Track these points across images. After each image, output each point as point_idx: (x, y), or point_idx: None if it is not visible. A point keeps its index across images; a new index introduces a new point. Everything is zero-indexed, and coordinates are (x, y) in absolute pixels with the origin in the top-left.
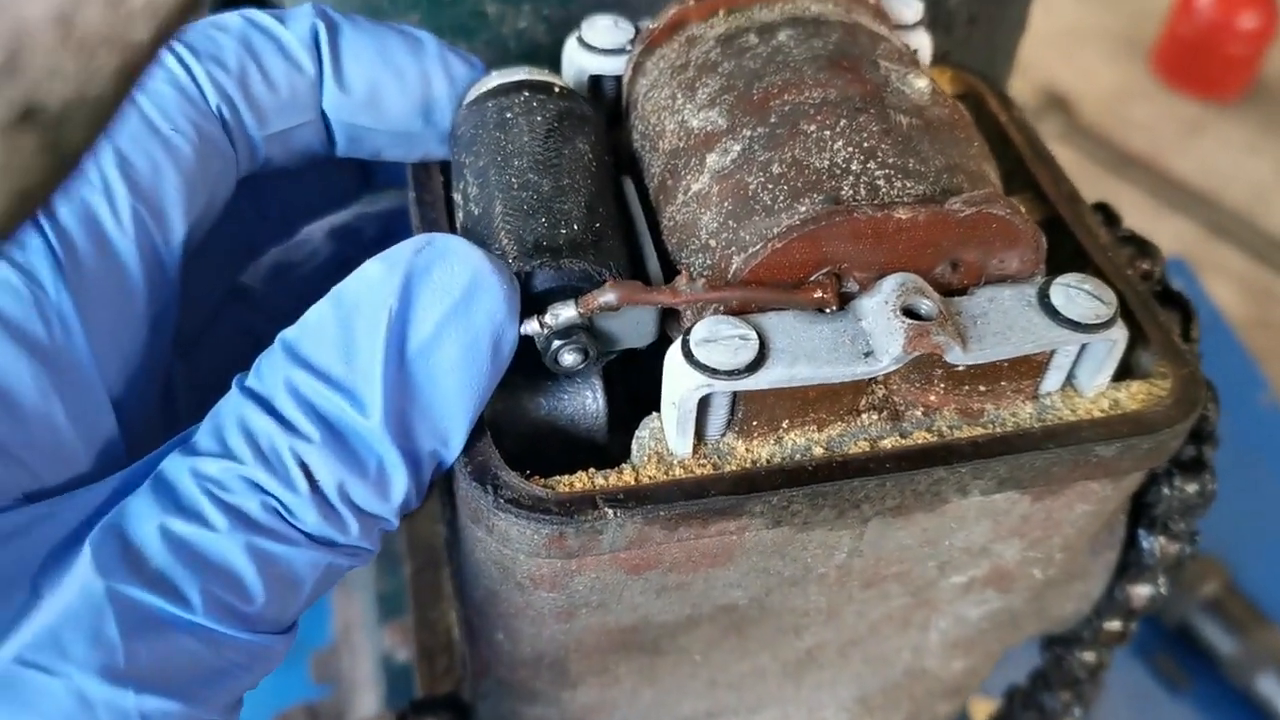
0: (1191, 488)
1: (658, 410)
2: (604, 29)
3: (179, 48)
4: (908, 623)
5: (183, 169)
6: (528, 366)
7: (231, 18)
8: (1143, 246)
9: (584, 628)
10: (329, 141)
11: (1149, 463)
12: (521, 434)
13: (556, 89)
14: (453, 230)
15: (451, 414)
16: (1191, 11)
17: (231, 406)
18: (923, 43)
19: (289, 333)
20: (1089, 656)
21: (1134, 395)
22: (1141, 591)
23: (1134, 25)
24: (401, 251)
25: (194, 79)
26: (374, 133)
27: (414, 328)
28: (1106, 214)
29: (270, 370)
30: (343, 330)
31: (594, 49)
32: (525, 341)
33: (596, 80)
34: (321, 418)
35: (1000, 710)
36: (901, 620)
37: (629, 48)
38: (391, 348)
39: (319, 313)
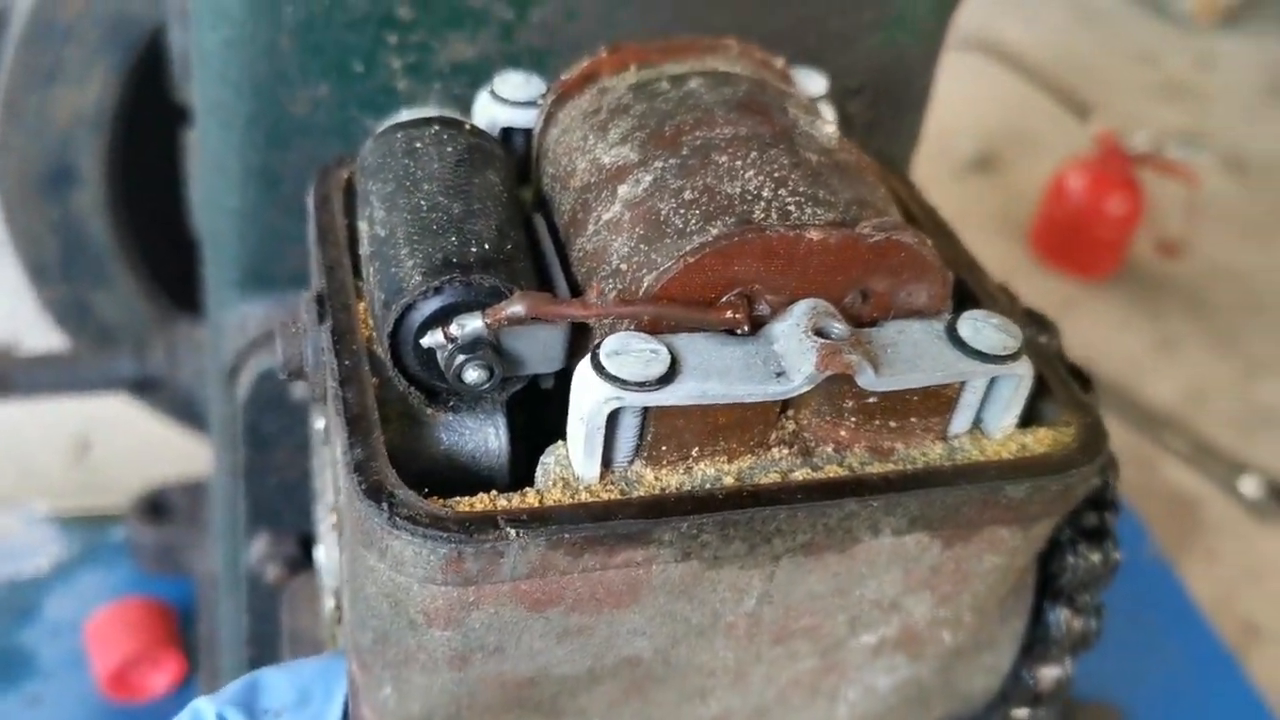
0: (1096, 556)
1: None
2: (516, 83)
3: None
4: (816, 691)
5: None
6: (429, 400)
7: None
8: (1041, 322)
9: (479, 679)
10: None
11: (1057, 509)
12: (419, 469)
13: (467, 126)
14: (356, 259)
15: None
16: (1063, 196)
17: None
18: (828, 115)
19: None
20: None
21: (1040, 440)
22: (1049, 673)
23: (1012, 207)
24: None
25: None
26: None
27: None
28: (1006, 294)
29: None
30: None
31: (506, 101)
32: (425, 365)
33: (507, 134)
34: None
35: None
36: (810, 687)
37: (540, 101)
38: None
39: None
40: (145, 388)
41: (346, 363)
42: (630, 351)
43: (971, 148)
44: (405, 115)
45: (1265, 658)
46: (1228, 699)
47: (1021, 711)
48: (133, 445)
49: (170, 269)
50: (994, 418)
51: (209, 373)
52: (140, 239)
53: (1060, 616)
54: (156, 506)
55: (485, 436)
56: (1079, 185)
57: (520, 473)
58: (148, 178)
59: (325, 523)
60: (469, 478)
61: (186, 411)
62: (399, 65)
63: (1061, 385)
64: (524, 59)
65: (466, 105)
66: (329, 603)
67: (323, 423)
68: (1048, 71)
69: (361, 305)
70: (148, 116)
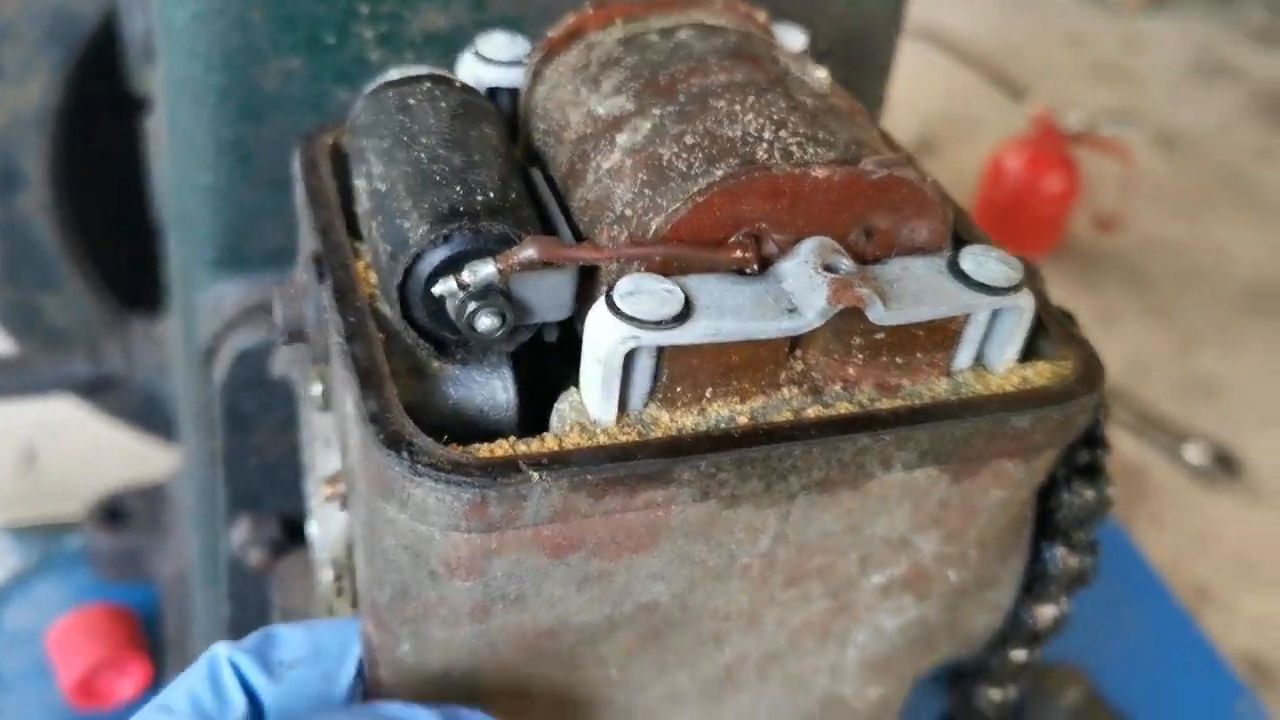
0: (1089, 493)
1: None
2: (500, 43)
3: None
4: (827, 633)
5: None
6: (437, 352)
7: None
8: (1026, 266)
9: (499, 630)
10: None
11: (1059, 438)
12: (430, 424)
13: (457, 83)
14: (351, 215)
15: None
16: (1002, 176)
17: None
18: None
19: None
20: (996, 694)
21: (1040, 373)
22: (1046, 612)
23: (953, 188)
24: None
25: None
26: None
27: None
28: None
29: None
30: None
31: (491, 61)
32: (434, 317)
33: (492, 94)
34: None
35: None
36: (821, 630)
37: (526, 59)
38: None
39: None
40: (100, 389)
41: (351, 319)
42: (645, 291)
43: (913, 131)
44: (395, 74)
45: (1216, 621)
46: (1187, 659)
47: (1020, 652)
48: (80, 451)
49: (120, 268)
50: (996, 351)
51: (176, 362)
52: (88, 239)
53: (1057, 554)
54: (114, 513)
55: (493, 389)
56: (1016, 165)
57: (527, 426)
58: (94, 177)
59: (318, 496)
60: (478, 431)
61: (142, 412)
62: (371, 36)
63: (1055, 322)
64: (497, 25)
65: None
66: (326, 575)
67: (319, 388)
68: (983, 56)
69: (360, 264)
70: (92, 114)
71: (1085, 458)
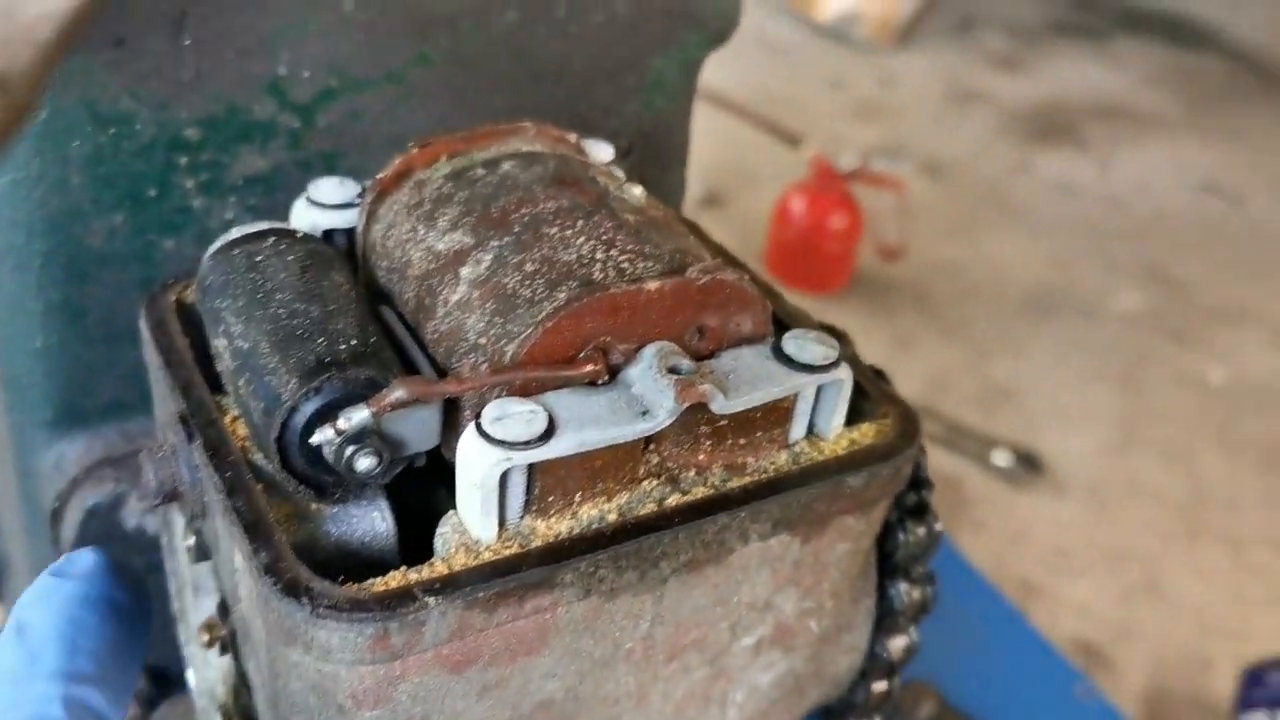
0: (921, 530)
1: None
2: (330, 187)
3: None
4: (708, 699)
5: None
6: (318, 495)
7: None
8: (836, 334)
9: None
10: None
11: (890, 489)
12: (315, 563)
13: (299, 234)
14: (214, 377)
15: None
16: (788, 220)
17: None
18: (624, 178)
19: None
20: None
21: (865, 434)
22: (898, 643)
23: (744, 236)
24: None
25: None
26: None
27: None
28: (801, 313)
29: None
30: None
31: (323, 205)
32: (312, 464)
33: (328, 236)
34: None
35: None
36: (703, 697)
37: (357, 201)
38: None
39: None
40: None
41: (228, 474)
42: (510, 415)
43: (700, 187)
44: (236, 232)
45: (1043, 612)
46: (1023, 655)
47: (880, 684)
48: None
49: None
50: (825, 421)
51: (10, 530)
52: None
53: (900, 589)
54: None
55: (372, 521)
56: (800, 208)
57: (404, 550)
58: None
59: (194, 643)
60: (362, 563)
61: None
62: (192, 184)
63: (871, 383)
64: (315, 163)
65: (262, 214)
66: None
67: (191, 540)
68: (754, 108)
69: (227, 418)
70: None
71: (913, 499)
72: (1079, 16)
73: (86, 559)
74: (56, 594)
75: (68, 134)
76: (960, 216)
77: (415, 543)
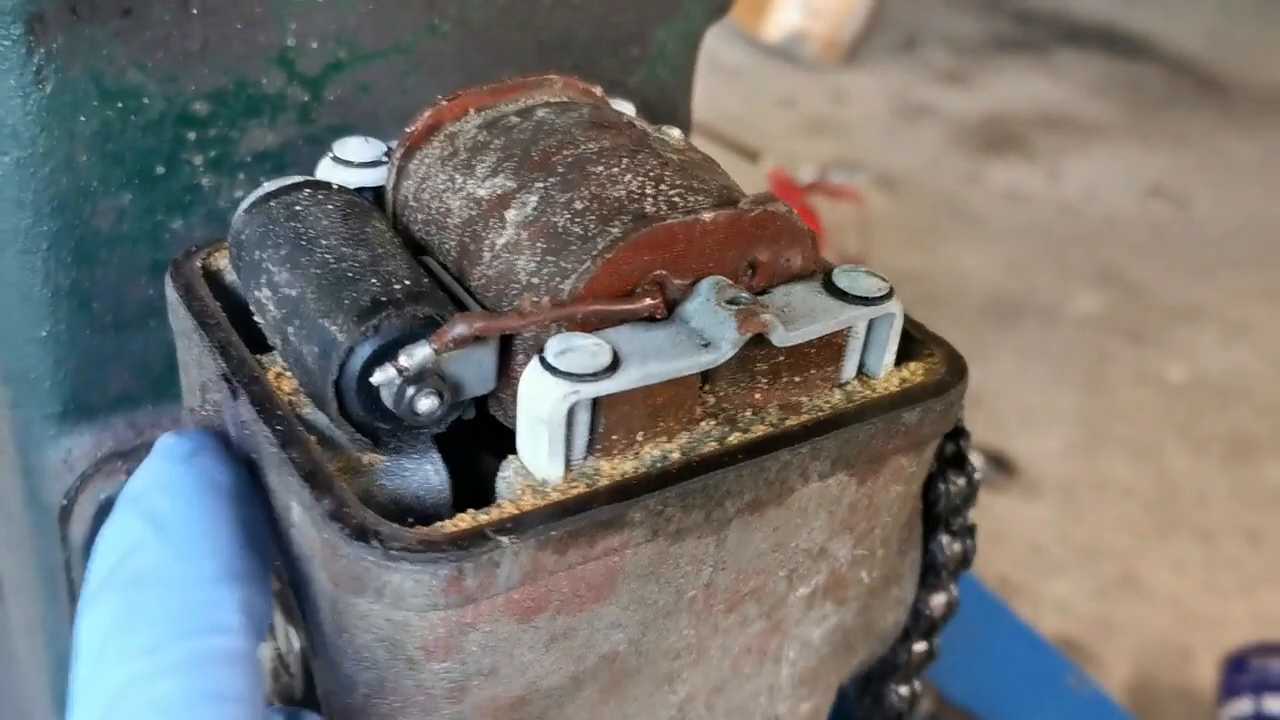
0: (960, 480)
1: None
2: (357, 145)
3: None
4: (764, 654)
5: None
6: (367, 446)
7: None
8: None
9: (474, 707)
10: None
11: (941, 426)
12: None
13: (335, 186)
14: (251, 340)
15: None
16: None
17: None
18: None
19: None
20: (904, 689)
21: (914, 372)
22: (939, 600)
23: None
24: None
25: None
26: None
27: None
28: None
29: None
30: None
31: (350, 164)
32: (369, 409)
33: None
34: None
35: None
36: (759, 652)
37: (384, 159)
38: None
39: None
40: None
41: (279, 427)
42: (575, 349)
43: None
44: (270, 185)
45: (1024, 609)
46: (1015, 649)
47: (921, 644)
48: None
49: None
50: (875, 359)
51: (13, 532)
52: None
53: (942, 542)
54: None
55: (426, 474)
56: None
57: (458, 505)
58: None
59: None
60: (418, 517)
61: None
62: (200, 161)
63: (914, 325)
64: (324, 138)
65: None
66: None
67: None
68: (712, 125)
69: (271, 374)
70: None
71: (951, 448)
72: (1019, 31)
73: (199, 438)
74: (184, 481)
75: (75, 109)
76: (917, 227)
77: (463, 501)
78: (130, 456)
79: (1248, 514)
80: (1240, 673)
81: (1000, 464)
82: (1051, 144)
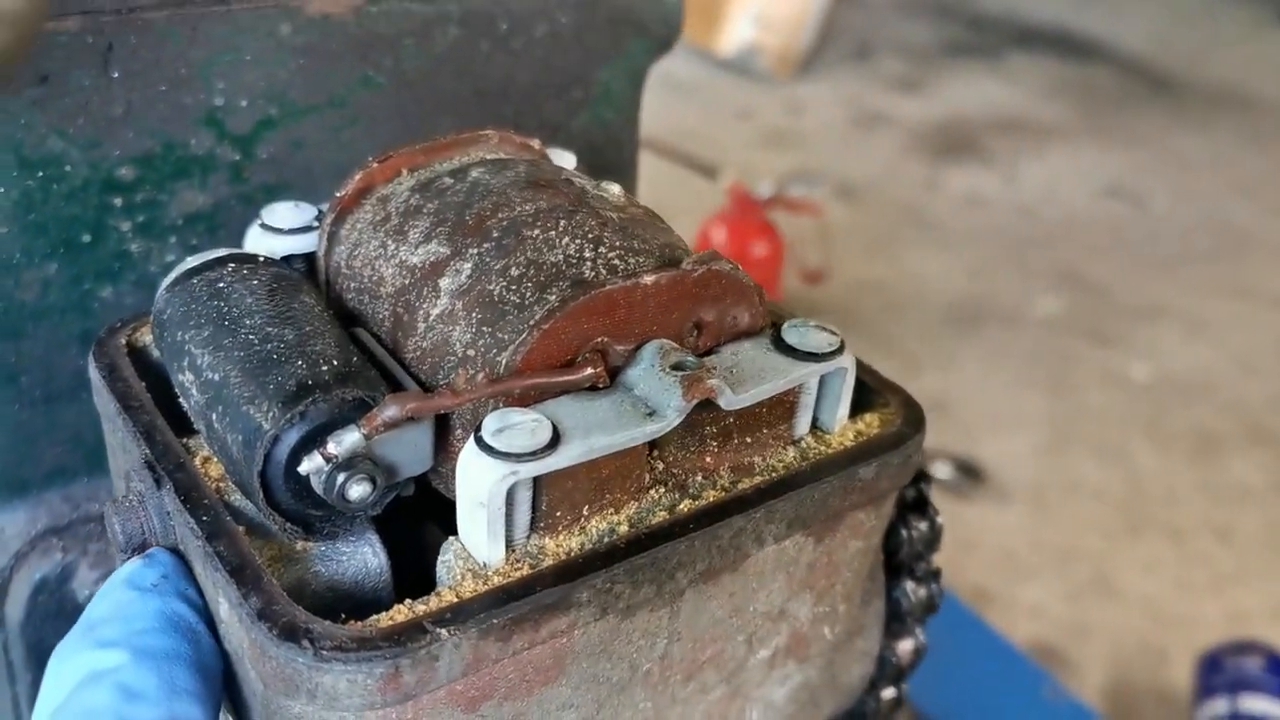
0: (923, 525)
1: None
2: (285, 211)
3: None
4: (726, 719)
5: None
6: (298, 535)
7: None
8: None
9: None
10: None
11: (900, 480)
12: (308, 608)
13: (260, 258)
14: (176, 421)
15: None
16: (709, 248)
17: None
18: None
19: None
20: None
21: (870, 424)
22: (905, 646)
23: None
24: None
25: None
26: None
27: None
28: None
29: None
30: None
31: (280, 231)
32: (298, 497)
33: (286, 261)
34: None
35: None
36: (720, 718)
37: (315, 224)
38: None
39: None
40: None
41: (205, 518)
42: (513, 426)
43: None
44: (193, 261)
45: (999, 616)
46: (990, 662)
47: (890, 691)
48: None
49: None
50: (829, 413)
51: None
52: None
53: (906, 588)
54: None
55: (364, 557)
56: (721, 237)
57: (399, 592)
58: None
59: None
60: (355, 606)
61: None
62: (129, 227)
63: (869, 373)
64: (258, 197)
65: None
66: None
67: None
68: (669, 143)
69: (197, 460)
70: None
71: (912, 493)
72: (971, 36)
73: (162, 566)
74: (143, 616)
75: None
76: (877, 235)
77: (409, 583)
78: (66, 532)
79: (1216, 511)
80: (1215, 673)
81: (969, 471)
82: (1007, 147)
